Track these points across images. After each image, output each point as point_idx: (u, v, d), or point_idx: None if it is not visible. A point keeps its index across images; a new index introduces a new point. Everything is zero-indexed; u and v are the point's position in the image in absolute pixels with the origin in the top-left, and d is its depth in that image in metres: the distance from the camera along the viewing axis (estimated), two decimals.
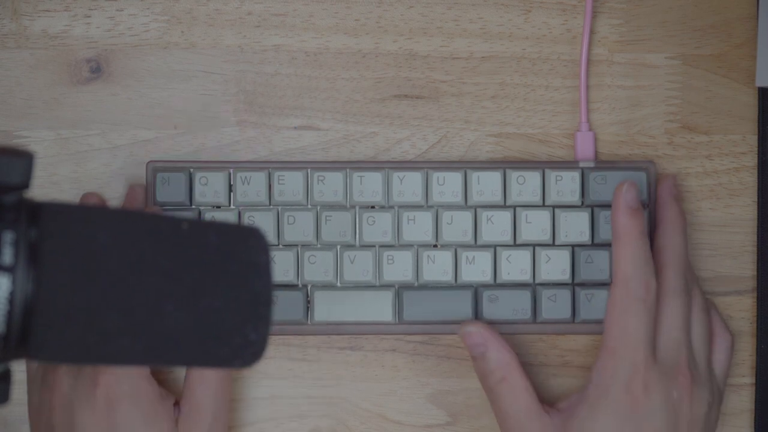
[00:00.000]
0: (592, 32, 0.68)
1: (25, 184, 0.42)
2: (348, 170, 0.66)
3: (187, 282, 0.43)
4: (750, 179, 0.68)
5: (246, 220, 0.65)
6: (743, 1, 0.68)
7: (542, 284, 0.66)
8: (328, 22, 0.68)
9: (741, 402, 0.68)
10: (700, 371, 0.62)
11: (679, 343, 0.61)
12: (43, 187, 0.67)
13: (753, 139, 0.68)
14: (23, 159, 0.41)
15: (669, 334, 0.61)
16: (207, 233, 0.44)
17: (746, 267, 0.68)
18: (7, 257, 0.40)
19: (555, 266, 0.66)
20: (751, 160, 0.68)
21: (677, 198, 0.65)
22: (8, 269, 0.40)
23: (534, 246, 0.66)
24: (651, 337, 0.61)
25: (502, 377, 0.63)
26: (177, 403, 0.63)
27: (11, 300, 0.40)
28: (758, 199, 0.68)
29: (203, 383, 0.63)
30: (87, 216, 0.43)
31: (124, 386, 0.60)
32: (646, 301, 0.61)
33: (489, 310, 0.65)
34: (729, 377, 0.67)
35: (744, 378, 0.67)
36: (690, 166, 0.68)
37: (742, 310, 0.68)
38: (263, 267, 0.45)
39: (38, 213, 0.42)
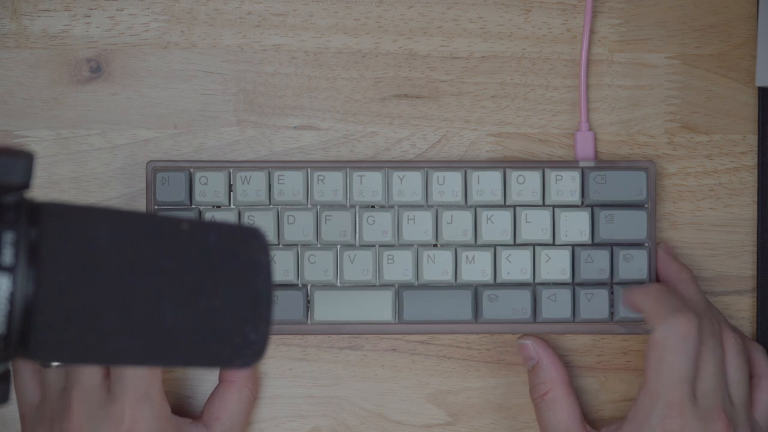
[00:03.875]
0: (592, 32, 0.68)
1: (26, 184, 0.42)
2: (348, 170, 0.66)
3: (187, 282, 0.43)
4: (750, 179, 0.68)
5: (246, 219, 0.65)
6: (743, 1, 0.68)
7: (542, 284, 0.66)
8: (328, 21, 0.68)
9: None
10: (738, 418, 0.61)
11: (713, 389, 0.60)
12: (43, 187, 0.67)
13: (753, 139, 0.68)
14: (23, 159, 0.41)
15: (707, 379, 0.60)
16: (207, 233, 0.44)
17: (746, 267, 0.68)
18: (8, 257, 0.40)
19: (555, 266, 0.66)
20: (751, 160, 0.68)
21: (673, 255, 0.66)
22: (8, 269, 0.40)
23: (534, 246, 0.66)
24: (691, 377, 0.60)
25: (546, 392, 0.65)
26: (196, 420, 0.64)
27: (11, 300, 0.40)
28: (758, 199, 0.68)
29: (228, 412, 0.64)
30: (87, 216, 0.43)
31: (148, 426, 0.60)
32: (689, 339, 0.60)
33: (489, 310, 0.66)
34: None
35: None
36: (690, 166, 0.68)
37: (742, 310, 0.68)
38: (263, 266, 0.45)
39: (38, 213, 0.42)
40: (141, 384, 0.59)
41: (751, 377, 0.64)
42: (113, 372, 0.60)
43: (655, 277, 0.66)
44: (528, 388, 0.66)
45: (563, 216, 0.66)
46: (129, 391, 0.59)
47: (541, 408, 0.65)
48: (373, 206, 0.66)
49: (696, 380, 0.60)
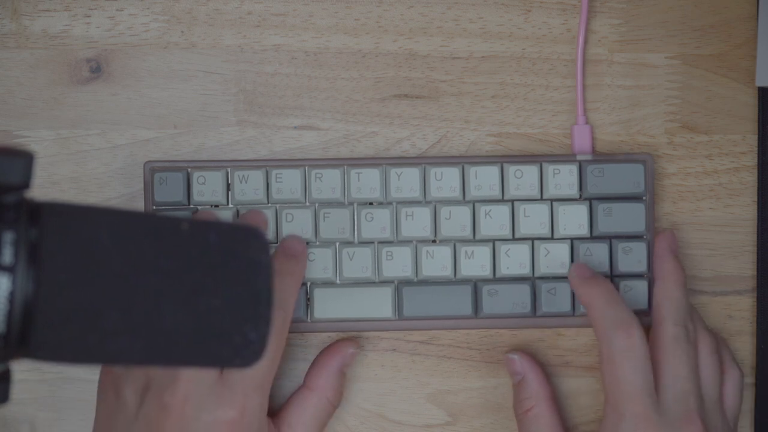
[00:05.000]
0: (592, 32, 0.68)
1: (26, 184, 0.42)
2: (346, 167, 0.66)
3: (187, 281, 0.43)
4: (750, 179, 0.68)
5: None
6: (743, 1, 0.68)
7: (541, 278, 0.66)
8: (328, 22, 0.68)
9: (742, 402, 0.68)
10: (710, 416, 0.61)
11: (686, 393, 0.60)
12: (43, 187, 0.67)
13: (753, 139, 0.68)
14: (23, 159, 0.42)
15: (675, 385, 0.60)
16: (207, 233, 0.45)
17: (746, 267, 0.68)
18: (8, 257, 0.41)
19: (554, 259, 0.66)
20: (751, 160, 0.68)
21: (675, 252, 0.65)
22: (8, 269, 0.41)
23: (533, 240, 0.66)
24: (649, 386, 0.60)
25: (531, 408, 0.65)
26: (273, 420, 0.63)
27: (11, 300, 0.40)
28: (758, 199, 0.68)
29: (302, 421, 0.64)
30: (87, 216, 0.43)
31: (251, 418, 0.58)
32: (633, 350, 0.60)
33: (489, 305, 0.66)
34: None
35: (744, 378, 0.67)
36: (690, 166, 0.68)
37: (742, 310, 0.68)
38: (263, 266, 0.45)
39: (38, 213, 0.42)
40: (259, 375, 0.58)
41: None
42: None
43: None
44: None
45: (561, 210, 0.66)
46: (247, 379, 0.58)
47: (524, 423, 0.65)
48: (371, 203, 0.66)
49: (662, 387, 0.60)
